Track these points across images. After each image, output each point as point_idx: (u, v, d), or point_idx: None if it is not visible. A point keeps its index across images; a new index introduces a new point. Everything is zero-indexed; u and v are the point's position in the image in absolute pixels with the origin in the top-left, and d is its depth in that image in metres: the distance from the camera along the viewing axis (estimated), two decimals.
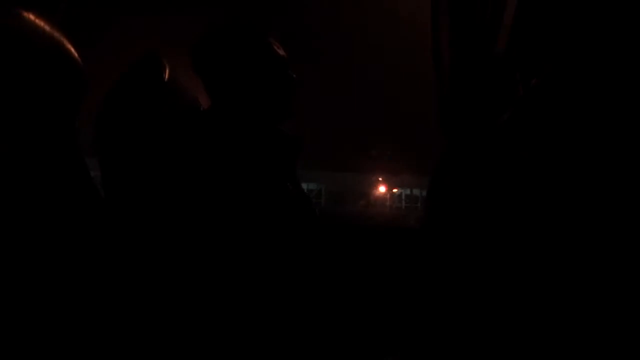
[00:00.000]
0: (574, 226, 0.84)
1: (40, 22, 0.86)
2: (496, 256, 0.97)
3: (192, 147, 0.99)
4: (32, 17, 0.85)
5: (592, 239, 0.82)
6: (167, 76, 1.06)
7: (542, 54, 1.10)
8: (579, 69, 0.91)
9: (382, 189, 15.23)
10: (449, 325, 1.06)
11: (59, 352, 0.83)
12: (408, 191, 15.37)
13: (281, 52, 1.11)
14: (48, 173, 0.89)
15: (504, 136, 1.09)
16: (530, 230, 0.90)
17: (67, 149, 0.94)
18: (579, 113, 0.89)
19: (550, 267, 0.85)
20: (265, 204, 1.01)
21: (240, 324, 0.92)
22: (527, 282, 0.88)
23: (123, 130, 1.04)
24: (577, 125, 0.89)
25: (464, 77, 1.25)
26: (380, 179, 14.88)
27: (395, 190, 15.50)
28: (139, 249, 0.96)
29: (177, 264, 0.93)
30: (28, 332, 0.80)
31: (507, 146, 1.05)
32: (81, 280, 0.88)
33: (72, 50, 0.93)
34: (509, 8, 1.29)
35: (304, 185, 1.32)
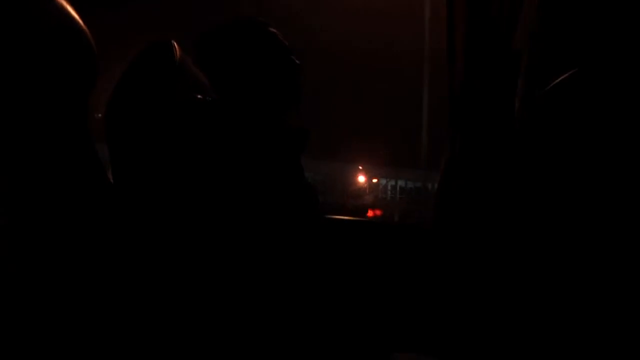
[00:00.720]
0: (591, 229, 0.84)
1: (54, 2, 0.83)
2: (509, 257, 0.97)
3: (199, 138, 0.98)
4: None
5: (609, 242, 0.82)
6: (178, 62, 1.05)
7: (560, 55, 1.09)
8: (599, 71, 0.91)
9: (361, 178, 15.33)
10: (459, 324, 1.07)
11: (63, 339, 0.82)
12: (393, 182, 15.52)
13: (284, 40, 1.11)
14: (58, 157, 0.88)
15: (519, 138, 1.09)
16: (545, 234, 0.90)
17: (78, 134, 0.93)
18: (598, 116, 0.89)
19: (567, 270, 0.85)
20: (271, 196, 1.00)
21: (245, 318, 0.92)
22: (542, 284, 0.89)
23: (133, 118, 1.02)
24: (596, 128, 0.88)
25: (479, 77, 1.25)
26: (360, 167, 14.98)
27: (375, 180, 15.63)
28: (145, 238, 0.95)
29: (181, 255, 0.93)
30: (34, 316, 0.78)
31: (522, 148, 1.05)
32: (85, 269, 0.87)
33: (87, 32, 0.91)
34: (525, 7, 1.28)
35: None
